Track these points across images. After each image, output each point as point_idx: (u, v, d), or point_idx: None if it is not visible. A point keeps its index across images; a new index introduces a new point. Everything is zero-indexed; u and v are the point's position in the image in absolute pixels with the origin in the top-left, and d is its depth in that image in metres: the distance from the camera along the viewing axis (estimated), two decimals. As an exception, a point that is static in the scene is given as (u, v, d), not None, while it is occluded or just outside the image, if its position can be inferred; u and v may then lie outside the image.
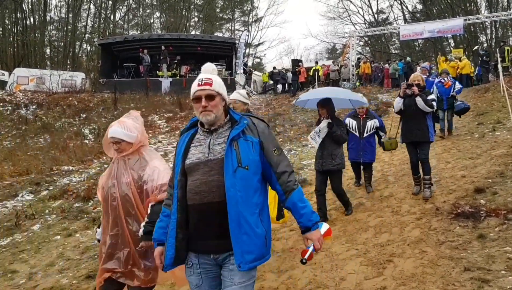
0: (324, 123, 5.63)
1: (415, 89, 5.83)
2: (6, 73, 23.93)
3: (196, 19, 44.22)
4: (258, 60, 49.51)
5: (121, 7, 40.73)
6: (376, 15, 41.86)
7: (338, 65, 23.76)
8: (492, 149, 7.74)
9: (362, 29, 35.60)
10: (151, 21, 43.59)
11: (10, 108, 17.88)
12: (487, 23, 32.07)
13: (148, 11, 44.16)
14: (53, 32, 37.76)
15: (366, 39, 39.81)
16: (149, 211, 2.81)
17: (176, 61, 23.67)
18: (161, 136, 14.67)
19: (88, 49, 39.24)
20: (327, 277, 4.12)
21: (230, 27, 46.13)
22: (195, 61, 23.43)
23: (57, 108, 18.20)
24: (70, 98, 19.21)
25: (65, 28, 36.45)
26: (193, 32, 39.17)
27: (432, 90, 9.05)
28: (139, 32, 39.45)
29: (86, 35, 38.45)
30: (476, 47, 26.18)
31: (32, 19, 35.44)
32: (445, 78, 9.98)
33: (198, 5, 43.21)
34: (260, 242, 2.17)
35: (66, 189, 9.11)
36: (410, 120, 5.98)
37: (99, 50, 26.49)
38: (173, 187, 2.29)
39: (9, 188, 9.54)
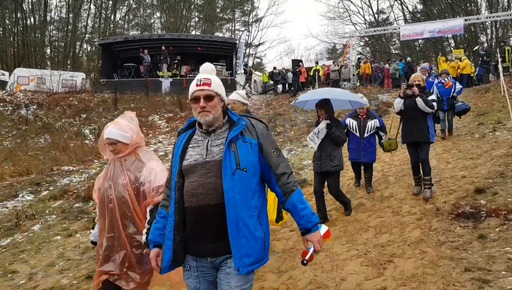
0: (323, 124, 5.61)
1: (415, 89, 5.82)
2: (7, 73, 23.93)
3: (197, 19, 44.26)
4: (258, 60, 49.59)
5: (121, 7, 40.79)
6: (376, 15, 41.92)
7: (338, 65, 23.76)
8: (492, 150, 7.73)
9: (362, 29, 35.59)
10: (152, 21, 43.66)
11: (10, 108, 17.88)
12: (487, 23, 32.07)
13: (148, 11, 44.24)
14: (53, 32, 37.83)
15: (367, 39, 39.84)
16: (148, 216, 2.79)
17: (176, 61, 23.68)
18: (161, 136, 14.68)
19: (89, 49, 39.34)
20: (328, 278, 4.12)
21: (230, 27, 46.22)
22: (195, 61, 23.43)
23: (58, 108, 18.21)
24: (70, 98, 19.22)
25: (66, 28, 36.49)
26: (193, 32, 39.18)
27: (432, 90, 9.04)
28: (139, 32, 39.47)
29: (87, 35, 38.52)
30: (476, 47, 26.18)
31: (32, 19, 35.50)
32: (446, 79, 9.96)
33: (199, 5, 43.22)
34: (259, 245, 2.14)
35: (66, 189, 9.10)
36: (410, 120, 5.98)
37: (100, 50, 26.49)
38: (171, 189, 2.26)
39: (9, 188, 9.53)
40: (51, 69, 24.70)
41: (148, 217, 2.80)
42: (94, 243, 3.22)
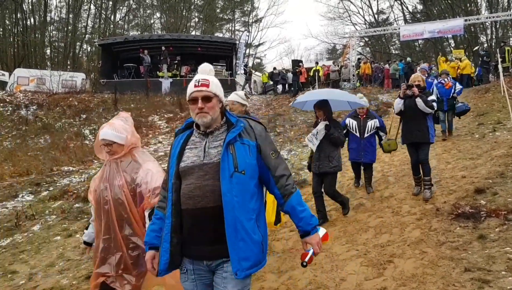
0: (321, 125, 5.60)
1: (415, 90, 5.81)
2: (7, 73, 23.94)
3: (197, 19, 44.28)
4: (258, 60, 49.60)
5: (121, 7, 40.82)
6: (376, 16, 41.96)
7: (338, 66, 23.77)
8: (492, 150, 7.73)
9: (362, 29, 35.60)
10: (152, 21, 43.70)
11: (10, 108, 17.89)
12: (487, 24, 32.08)
13: (148, 11, 44.28)
14: (53, 32, 37.86)
15: (367, 39, 39.86)
16: (147, 221, 2.78)
17: (176, 61, 23.69)
18: (161, 137, 14.69)
19: (89, 50, 39.37)
20: (327, 278, 4.12)
21: (230, 28, 46.25)
22: (195, 62, 23.44)
23: (58, 108, 18.21)
24: (70, 99, 19.22)
25: (66, 29, 36.51)
26: (193, 33, 39.22)
27: (431, 90, 9.04)
28: (139, 32, 39.51)
29: (87, 36, 38.53)
30: (476, 48, 26.19)
31: (32, 20, 35.50)
32: (445, 79, 9.96)
33: (199, 5, 43.25)
34: (257, 249, 2.12)
35: (66, 190, 9.10)
36: (410, 121, 5.97)
37: (100, 50, 26.51)
38: (167, 190, 2.23)
39: (9, 189, 9.54)
40: (51, 70, 24.71)
41: (147, 221, 2.78)
42: (86, 243, 3.20)
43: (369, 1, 41.40)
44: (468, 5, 34.16)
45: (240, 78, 23.32)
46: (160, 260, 2.17)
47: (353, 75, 22.89)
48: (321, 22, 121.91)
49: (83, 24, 38.86)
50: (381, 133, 6.99)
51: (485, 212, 4.76)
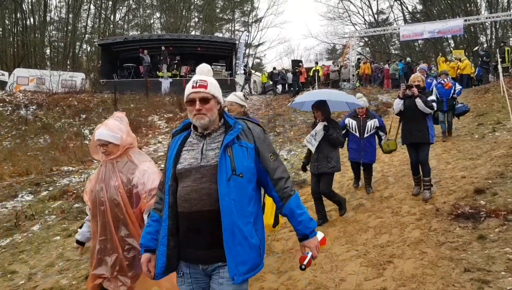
0: (319, 126, 5.59)
1: (415, 90, 5.80)
2: (6, 73, 23.94)
3: (196, 19, 44.30)
4: (258, 60, 49.61)
5: (121, 7, 40.80)
6: (376, 16, 41.97)
7: (338, 66, 23.76)
8: (492, 150, 7.73)
9: (362, 29, 35.61)
10: (151, 21, 43.69)
11: (10, 108, 17.88)
12: (487, 24, 32.10)
13: (148, 11, 44.26)
14: (53, 32, 37.85)
15: (366, 39, 39.86)
16: (146, 223, 2.77)
17: (176, 61, 23.68)
18: (161, 137, 14.68)
19: (88, 50, 39.33)
20: (327, 278, 4.12)
21: (230, 28, 46.24)
22: (195, 62, 23.43)
23: (57, 108, 18.21)
24: (70, 99, 19.22)
25: (65, 29, 36.49)
26: (193, 33, 39.21)
27: (431, 91, 9.03)
28: (139, 32, 39.51)
29: (86, 36, 38.52)
30: (476, 48, 26.21)
31: (32, 20, 35.52)
32: (445, 79, 9.96)
33: (198, 5, 43.25)
34: (255, 253, 2.10)
35: (66, 190, 9.10)
36: (410, 121, 5.96)
37: (99, 50, 26.51)
38: (164, 192, 2.20)
39: (8, 189, 9.53)
40: (51, 70, 24.69)
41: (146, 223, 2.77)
42: (79, 242, 3.17)
43: (369, 1, 41.48)
44: (467, 5, 34.18)
45: (239, 78, 23.31)
46: (156, 263, 2.14)
47: (353, 75, 22.89)
48: (320, 22, 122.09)
49: (83, 24, 38.92)
50: (381, 133, 6.98)
51: (485, 213, 4.76)
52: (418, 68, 13.85)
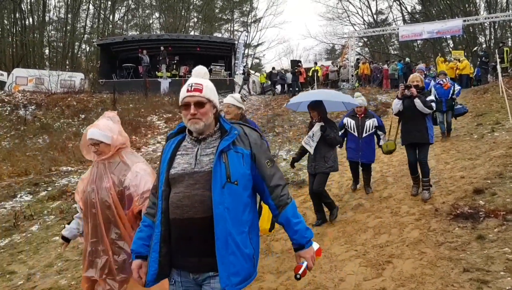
0: (316, 127, 5.59)
1: (414, 90, 5.78)
2: (5, 73, 23.89)
3: (195, 19, 44.28)
4: (257, 60, 49.62)
5: (120, 7, 40.81)
6: (375, 16, 42.03)
7: (337, 66, 23.77)
8: (491, 150, 7.74)
9: (361, 29, 35.65)
10: (150, 21, 43.69)
11: (8, 108, 17.86)
12: (486, 24, 32.15)
13: (147, 11, 44.26)
14: (52, 32, 37.76)
15: (365, 39, 39.94)
16: None
17: (175, 61, 23.67)
18: (160, 137, 14.66)
19: (87, 50, 39.30)
20: (326, 278, 4.11)
21: (229, 28, 46.26)
22: (194, 62, 23.41)
23: (56, 108, 18.19)
24: (69, 99, 19.20)
25: (64, 29, 36.46)
26: (192, 33, 39.23)
27: (429, 90, 9.04)
28: (138, 32, 39.49)
29: (85, 36, 38.48)
30: (475, 48, 26.26)
31: (31, 20, 35.47)
32: (444, 80, 9.97)
33: (197, 5, 43.25)
34: (248, 263, 2.04)
35: (64, 190, 9.09)
36: (409, 121, 5.94)
37: (98, 50, 26.51)
38: (157, 197, 2.14)
39: (7, 189, 9.52)
40: (50, 70, 24.67)
41: None
42: (65, 238, 3.09)
43: (368, 2, 41.49)
44: (466, 5, 34.23)
45: (238, 78, 23.31)
46: (148, 270, 2.07)
47: (352, 76, 22.91)
48: (320, 22, 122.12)
49: (82, 24, 38.86)
50: (380, 133, 6.98)
51: (484, 213, 4.76)
52: (416, 68, 13.87)
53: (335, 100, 6.18)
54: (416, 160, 6.00)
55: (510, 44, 26.85)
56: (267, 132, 13.70)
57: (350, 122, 6.97)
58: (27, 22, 34.47)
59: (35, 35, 34.43)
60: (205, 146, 2.11)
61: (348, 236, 5.21)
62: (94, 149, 2.87)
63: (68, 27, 36.23)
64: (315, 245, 2.22)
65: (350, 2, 42.18)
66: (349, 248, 4.81)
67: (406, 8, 40.50)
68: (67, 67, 32.55)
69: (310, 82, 23.47)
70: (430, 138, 5.88)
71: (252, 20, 45.95)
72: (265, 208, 3.76)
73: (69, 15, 36.54)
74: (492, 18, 24.86)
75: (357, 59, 26.76)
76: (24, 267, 5.70)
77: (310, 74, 23.57)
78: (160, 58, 22.10)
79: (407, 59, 23.60)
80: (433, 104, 5.83)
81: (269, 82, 25.29)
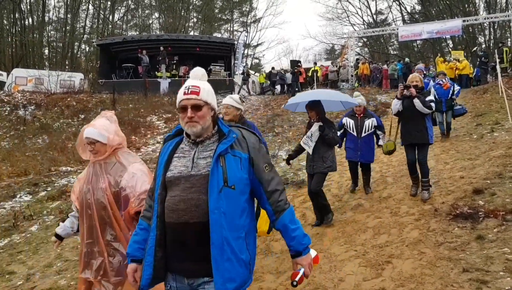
0: (315, 127, 5.58)
1: (413, 90, 5.76)
2: (5, 73, 23.89)
3: (195, 19, 44.32)
4: (257, 60, 49.64)
5: (119, 7, 40.84)
6: (374, 16, 42.05)
7: (336, 66, 23.77)
8: (490, 150, 7.74)
9: (360, 30, 35.68)
10: (150, 21, 43.71)
11: (8, 108, 17.85)
12: (485, 24, 32.17)
13: (147, 11, 44.28)
14: (51, 32, 37.79)
15: (365, 40, 39.96)
16: None
17: (174, 61, 23.66)
18: (159, 137, 14.66)
19: (87, 50, 39.35)
20: (326, 278, 4.11)
21: (229, 28, 46.29)
22: (193, 62, 23.42)
23: (56, 108, 18.18)
24: (68, 99, 19.19)
25: (64, 29, 36.48)
26: (192, 33, 39.26)
27: (428, 90, 9.03)
28: (137, 32, 39.49)
29: (85, 36, 38.50)
30: (474, 48, 26.27)
31: (30, 20, 35.47)
32: (443, 80, 9.97)
33: (197, 5, 43.28)
34: (244, 269, 1.99)
35: (64, 190, 9.08)
36: (408, 122, 5.92)
37: (98, 50, 26.50)
38: (154, 200, 2.10)
39: (7, 189, 9.51)
40: (49, 70, 24.66)
41: None
42: (58, 236, 3.06)
43: (368, 2, 41.50)
44: (466, 5, 34.26)
45: (238, 79, 23.31)
46: (142, 274, 2.04)
47: (352, 76, 22.92)
48: (319, 22, 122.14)
49: (82, 24, 38.88)
50: (379, 132, 6.98)
51: (483, 213, 4.76)
52: (415, 68, 13.87)
53: (333, 100, 6.17)
54: (415, 160, 5.99)
55: (509, 44, 26.84)
56: (266, 132, 13.70)
57: (349, 121, 6.97)
58: (26, 22, 34.50)
59: (35, 35, 34.45)
60: (202, 149, 2.07)
61: (348, 236, 5.21)
62: (90, 148, 2.84)
63: (67, 27, 36.24)
64: (313, 252, 2.19)
65: (349, 2, 42.23)
66: (348, 248, 4.81)
67: (405, 8, 40.59)
68: (67, 67, 32.58)
69: (309, 82, 23.47)
70: (430, 138, 5.86)
71: (252, 20, 46.07)
72: (263, 211, 3.74)
73: (68, 15, 36.57)
74: (491, 18, 24.87)
75: (357, 59, 26.77)
76: (23, 267, 5.70)
77: (309, 74, 23.57)
78: (160, 58, 22.10)
79: (407, 59, 23.62)
80: (433, 104, 5.81)
81: (268, 82, 25.30)
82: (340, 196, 7.16)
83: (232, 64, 23.59)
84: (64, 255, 5.95)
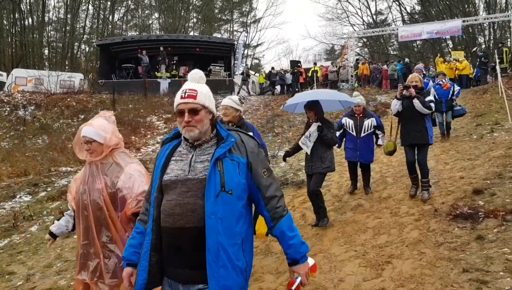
0: (313, 127, 5.56)
1: (412, 90, 5.75)
2: (4, 74, 23.89)
3: (195, 20, 44.33)
4: (256, 61, 49.65)
5: (119, 8, 40.84)
6: (374, 16, 42.03)
7: (336, 66, 23.77)
8: (490, 151, 7.74)
9: (360, 30, 35.66)
10: (150, 22, 43.71)
11: (8, 109, 17.86)
12: (485, 25, 32.19)
13: (146, 12, 44.27)
14: (51, 32, 37.77)
15: (365, 40, 39.96)
16: None
17: (174, 62, 23.66)
18: (159, 137, 14.67)
19: (87, 50, 39.36)
20: (326, 279, 4.11)
21: (228, 28, 46.29)
22: (193, 62, 23.43)
23: (56, 109, 18.19)
24: (68, 99, 19.20)
25: (64, 29, 36.47)
26: (191, 33, 39.27)
27: (428, 90, 9.04)
28: (137, 33, 39.48)
29: (85, 36, 38.50)
30: (474, 49, 26.28)
31: (30, 20, 35.47)
32: (443, 80, 9.98)
33: (197, 6, 43.29)
34: (240, 277, 1.95)
35: (64, 190, 9.07)
36: (408, 122, 5.90)
37: (98, 51, 26.50)
38: (150, 203, 2.07)
39: (7, 189, 9.52)
40: (49, 70, 24.66)
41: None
42: (52, 234, 3.03)
43: (367, 2, 41.47)
44: (466, 6, 34.26)
45: (238, 79, 23.31)
46: (137, 279, 2.00)
47: (351, 76, 22.93)
48: (319, 22, 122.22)
49: (81, 24, 38.88)
50: (378, 132, 6.97)
51: (483, 213, 4.76)
52: (415, 68, 13.88)
53: (332, 99, 6.16)
54: (414, 160, 5.98)
55: (509, 45, 26.83)
56: (266, 133, 13.71)
57: (348, 121, 6.97)
58: (26, 23, 34.50)
59: (35, 35, 34.45)
60: (200, 153, 2.04)
61: (348, 237, 5.21)
62: (86, 147, 2.81)
63: (67, 28, 36.23)
64: (311, 261, 2.15)
65: (349, 3, 42.21)
66: (348, 249, 4.81)
67: (405, 9, 40.57)
68: (67, 67, 32.59)
69: (309, 83, 23.47)
70: (430, 138, 5.85)
71: (252, 21, 46.07)
72: None
73: (68, 16, 36.56)
74: (491, 18, 24.90)
75: (357, 59, 26.77)
76: (23, 268, 5.70)
77: (309, 74, 23.57)
78: (160, 58, 22.10)
79: (407, 60, 23.62)
80: (432, 105, 5.78)
81: (268, 83, 25.30)
82: (340, 196, 7.16)
83: (232, 64, 23.59)
84: (64, 255, 5.95)
